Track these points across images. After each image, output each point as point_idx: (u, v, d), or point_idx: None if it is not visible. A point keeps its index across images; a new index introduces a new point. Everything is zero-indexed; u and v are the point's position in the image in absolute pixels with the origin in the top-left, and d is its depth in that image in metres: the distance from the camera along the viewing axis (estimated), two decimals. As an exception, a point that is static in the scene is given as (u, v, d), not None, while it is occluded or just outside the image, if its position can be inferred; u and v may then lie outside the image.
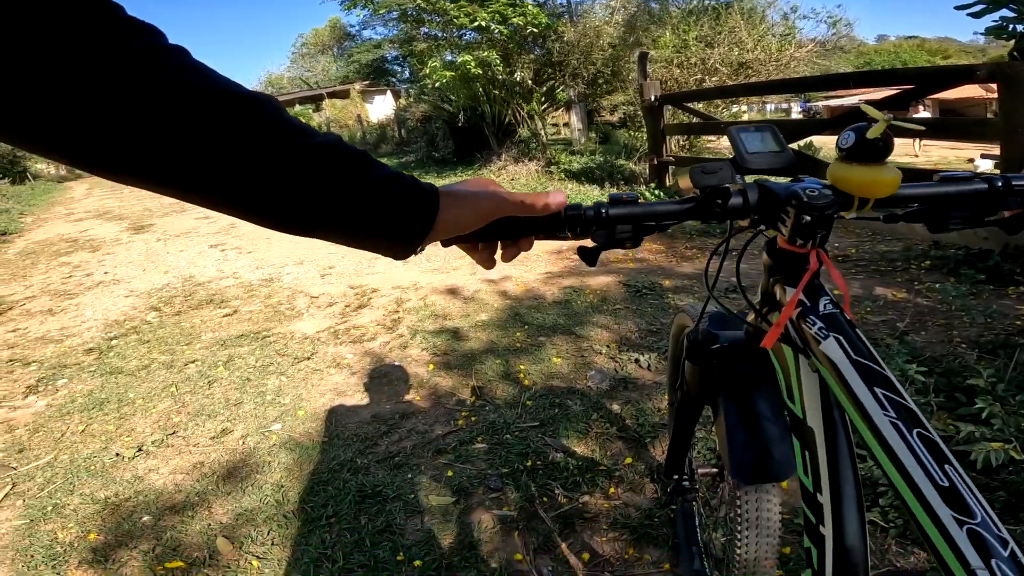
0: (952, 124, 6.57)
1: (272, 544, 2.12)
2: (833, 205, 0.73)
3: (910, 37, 52.01)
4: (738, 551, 1.14)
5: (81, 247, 8.36)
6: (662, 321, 3.69)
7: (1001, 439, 1.97)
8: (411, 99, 19.53)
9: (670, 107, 8.44)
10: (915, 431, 0.61)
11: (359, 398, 3.15)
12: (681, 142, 10.08)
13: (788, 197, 0.75)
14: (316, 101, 28.92)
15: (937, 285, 3.64)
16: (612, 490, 2.20)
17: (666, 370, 1.64)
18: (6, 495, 2.58)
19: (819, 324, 0.75)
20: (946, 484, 0.57)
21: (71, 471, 2.71)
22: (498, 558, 1.98)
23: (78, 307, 5.33)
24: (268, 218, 0.53)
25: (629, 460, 2.35)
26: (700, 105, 9.04)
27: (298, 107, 28.09)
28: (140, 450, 2.82)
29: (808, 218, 0.74)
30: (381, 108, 28.07)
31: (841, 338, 0.72)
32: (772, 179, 0.82)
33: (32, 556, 2.17)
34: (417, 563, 1.98)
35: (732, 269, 1.03)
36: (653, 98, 7.99)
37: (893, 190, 0.73)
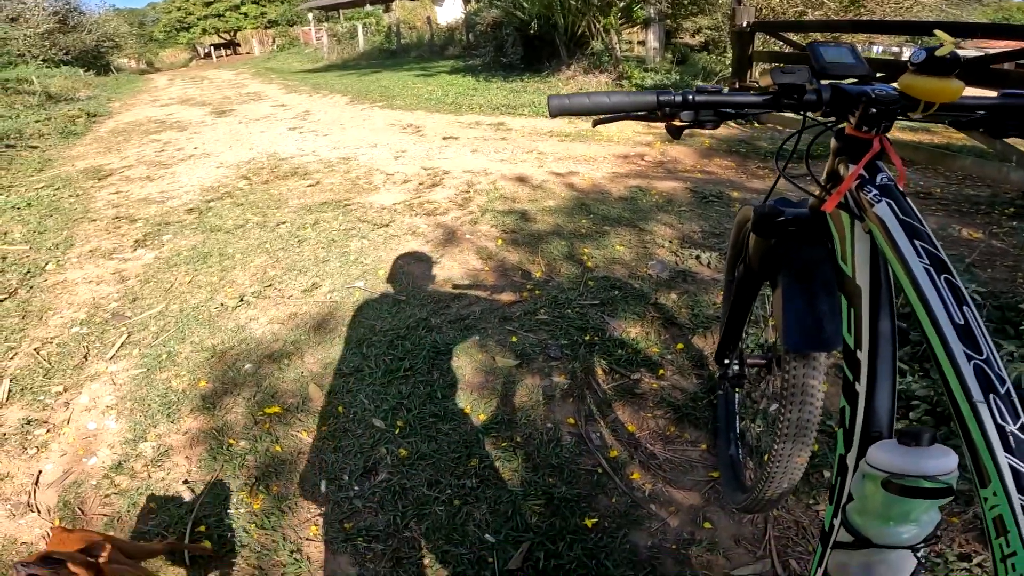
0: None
1: (356, 393, 2.19)
2: (898, 102, 0.81)
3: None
4: (784, 415, 1.16)
5: (169, 127, 8.50)
6: (726, 226, 3.51)
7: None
8: (482, 3, 18.57)
9: (761, 35, 7.51)
10: (943, 276, 0.66)
11: (433, 264, 3.18)
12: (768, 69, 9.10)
13: (859, 95, 0.83)
14: (387, 2, 27.77)
15: (1014, 223, 3.39)
16: (661, 372, 2.19)
17: (727, 255, 1.60)
18: (123, 344, 2.66)
19: (874, 191, 0.81)
20: (962, 322, 0.62)
21: (181, 320, 2.79)
22: (553, 420, 2.01)
23: (174, 175, 5.47)
24: None
25: (680, 346, 2.33)
26: (796, 37, 8.09)
27: (369, 7, 27.05)
28: (241, 300, 2.93)
29: (875, 109, 0.81)
30: (451, 11, 26.59)
31: (892, 202, 0.78)
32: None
33: (149, 406, 2.23)
34: (481, 416, 2.04)
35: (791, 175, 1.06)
36: (745, 23, 7.14)
37: (956, 97, 0.79)
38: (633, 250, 3.23)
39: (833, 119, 0.93)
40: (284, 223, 3.91)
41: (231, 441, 2.02)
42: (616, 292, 2.76)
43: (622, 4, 11.27)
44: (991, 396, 0.58)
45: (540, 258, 3.17)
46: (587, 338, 2.40)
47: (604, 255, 3.17)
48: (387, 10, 27.41)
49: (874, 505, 0.75)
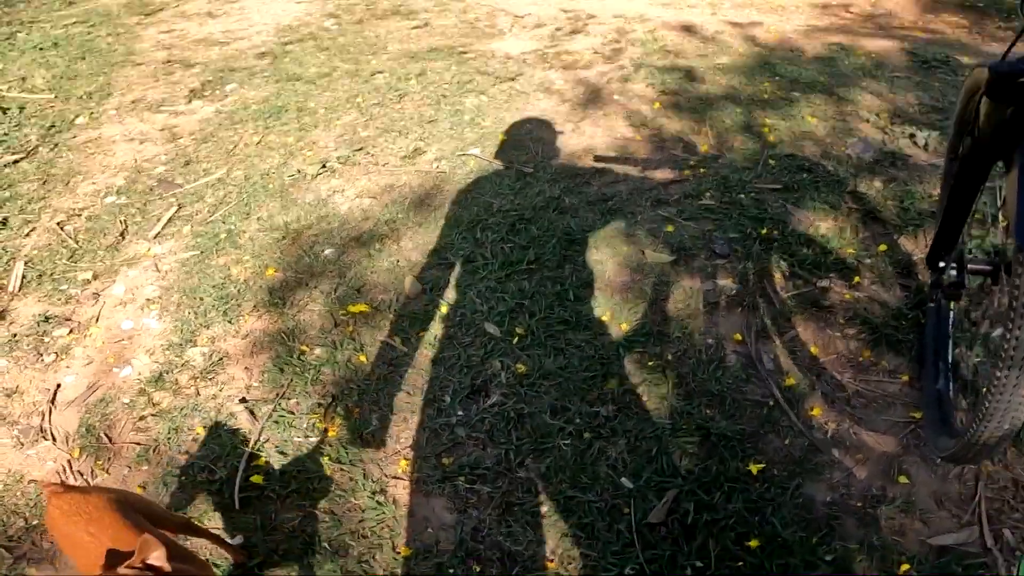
0: None
1: (465, 289, 1.94)
2: None
3: None
4: (1012, 333, 1.02)
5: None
6: (950, 100, 2.91)
7: None
8: None
9: None
10: None
11: (570, 129, 2.80)
12: None
13: None
14: None
15: None
16: (857, 279, 1.91)
17: (953, 123, 1.49)
18: (171, 219, 2.37)
19: None
20: None
21: (246, 190, 2.51)
22: (714, 335, 1.77)
23: (242, 11, 4.91)
24: None
25: (883, 248, 2.01)
26: None
27: None
28: (324, 167, 2.62)
29: None
30: None
31: None
32: None
33: (201, 300, 1.96)
34: (624, 325, 1.80)
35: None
36: None
37: None
38: (829, 123, 2.74)
39: None
40: (381, 72, 3.49)
41: (303, 348, 1.80)
42: (804, 175, 2.37)
43: None
44: None
45: (708, 128, 2.76)
46: (763, 232, 2.10)
47: (791, 128, 2.73)
48: None
49: None
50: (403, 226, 2.26)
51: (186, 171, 2.67)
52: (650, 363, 1.69)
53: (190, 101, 3.29)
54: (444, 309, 1.90)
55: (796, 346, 1.72)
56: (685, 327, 1.79)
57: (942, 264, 1.52)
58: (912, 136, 2.55)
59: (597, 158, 2.55)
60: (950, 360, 1.55)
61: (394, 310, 1.90)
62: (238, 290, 2.01)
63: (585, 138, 2.73)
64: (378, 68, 3.56)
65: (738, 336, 1.75)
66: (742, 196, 2.26)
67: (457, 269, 2.03)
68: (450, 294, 1.95)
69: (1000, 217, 1.59)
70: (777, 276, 1.94)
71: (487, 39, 3.94)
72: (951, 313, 1.62)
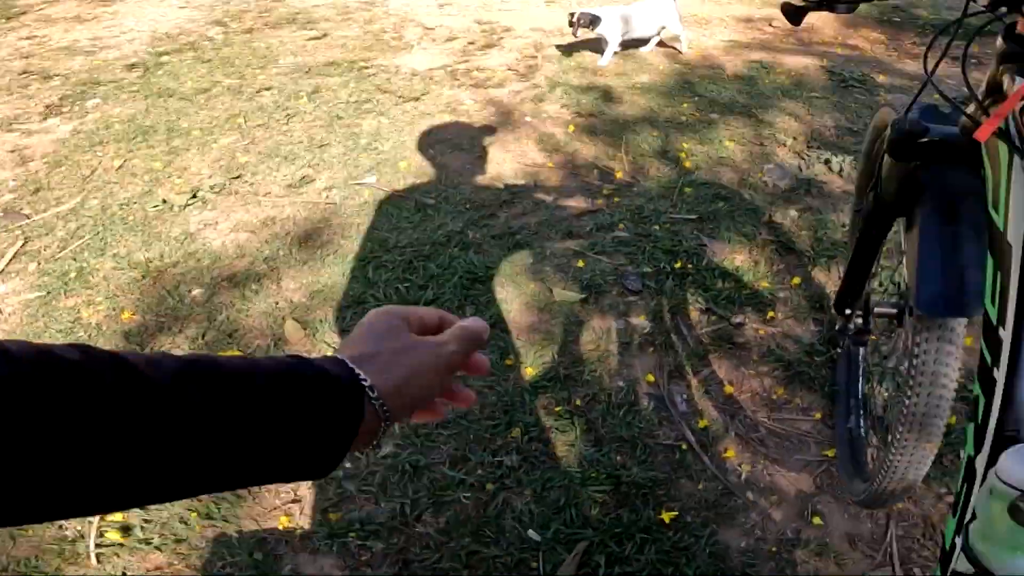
0: None
1: None
2: None
3: None
4: (907, 400, 1.13)
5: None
6: (867, 121, 3.21)
7: None
8: None
9: None
10: None
11: (478, 156, 2.90)
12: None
13: None
14: None
15: None
16: (771, 314, 2.06)
17: (857, 173, 1.63)
18: (15, 255, 2.32)
19: None
20: None
21: (102, 222, 2.46)
22: (626, 377, 1.87)
23: (115, 15, 4.85)
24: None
25: (797, 281, 2.18)
26: None
27: None
28: (194, 196, 2.60)
29: None
30: None
31: None
32: None
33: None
34: (529, 370, 1.89)
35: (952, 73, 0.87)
36: None
37: None
38: (747, 148, 2.98)
39: (1005, 8, 0.85)
40: (269, 89, 3.51)
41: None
42: (720, 204, 2.57)
43: None
44: None
45: (623, 154, 2.92)
46: (678, 265, 2.24)
47: (708, 153, 2.94)
48: None
49: (999, 531, 0.70)
50: (284, 264, 2.27)
51: (35, 200, 2.61)
52: (557, 409, 1.76)
53: (45, 119, 3.21)
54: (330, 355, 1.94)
55: (710, 385, 1.84)
56: (595, 369, 1.88)
57: (848, 311, 1.61)
58: (827, 162, 2.80)
59: (506, 187, 2.67)
60: (860, 397, 1.68)
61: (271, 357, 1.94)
62: (88, 335, 1.99)
63: (494, 165, 2.83)
64: (266, 84, 3.56)
65: (651, 377, 1.85)
66: (656, 227, 2.40)
67: (346, 311, 2.07)
68: (336, 337, 1.99)
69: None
70: (691, 312, 2.06)
71: (392, 53, 4.02)
72: (860, 353, 1.75)
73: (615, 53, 3.86)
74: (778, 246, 2.33)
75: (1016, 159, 0.80)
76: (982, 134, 0.80)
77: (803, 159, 2.86)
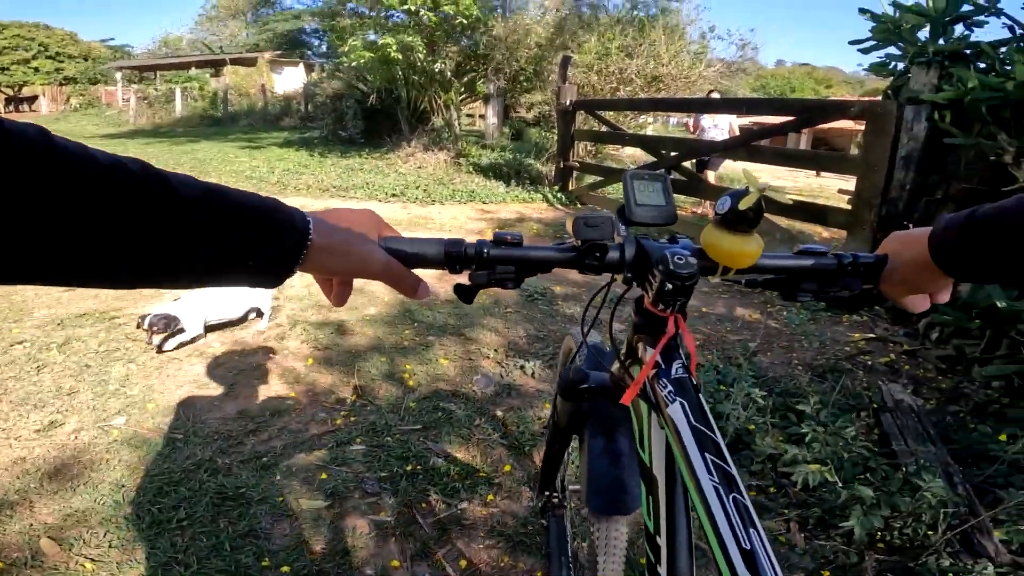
0: (821, 157, 8.52)
1: (110, 547, 2.06)
2: (695, 277, 0.80)
3: (803, 64, 60.29)
4: (599, 563, 1.26)
5: None
6: (550, 328, 3.92)
7: (819, 461, 2.37)
8: (324, 74, 19.60)
9: (583, 113, 9.20)
10: (732, 496, 0.70)
11: (224, 392, 3.07)
12: (588, 148, 10.57)
13: (657, 261, 0.81)
14: (216, 66, 28.02)
15: (784, 313, 4.43)
16: (491, 497, 2.34)
17: (551, 381, 1.78)
18: None
19: (669, 387, 0.83)
20: (748, 548, 0.65)
21: None
22: (373, 564, 2.04)
23: None
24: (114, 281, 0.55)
25: (508, 468, 2.51)
26: (610, 114, 9.76)
27: (194, 71, 27.76)
28: None
29: (671, 285, 0.80)
30: (291, 80, 27.52)
31: (685, 403, 0.80)
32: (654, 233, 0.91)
33: None
34: (285, 569, 2.00)
35: (606, 317, 1.15)
36: (568, 102, 8.72)
37: (754, 261, 0.82)
38: (458, 363, 3.42)
39: (635, 283, 0.90)
40: (22, 342, 3.54)
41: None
42: (439, 414, 2.91)
43: (466, 80, 12.47)
44: None
45: (356, 379, 3.22)
46: (409, 468, 2.50)
47: (427, 371, 3.33)
48: (216, 75, 27.75)
49: None
50: (36, 495, 2.29)
51: None
52: (314, 603, 1.89)
53: None
54: (88, 565, 1.96)
55: (449, 561, 2.03)
56: (343, 562, 2.02)
57: (547, 493, 1.79)
58: (522, 367, 3.31)
59: (252, 419, 2.80)
60: (570, 554, 1.78)
61: (31, 566, 1.94)
62: None
63: (241, 401, 2.98)
64: (19, 337, 3.56)
65: (395, 562, 2.02)
66: (389, 439, 2.67)
67: (100, 530, 2.11)
68: (92, 551, 2.02)
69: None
70: (424, 504, 2.28)
71: (143, 300, 4.13)
72: (564, 520, 1.86)
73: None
74: (490, 442, 2.66)
75: (653, 413, 0.89)
76: (626, 399, 0.88)
77: (503, 367, 3.33)
